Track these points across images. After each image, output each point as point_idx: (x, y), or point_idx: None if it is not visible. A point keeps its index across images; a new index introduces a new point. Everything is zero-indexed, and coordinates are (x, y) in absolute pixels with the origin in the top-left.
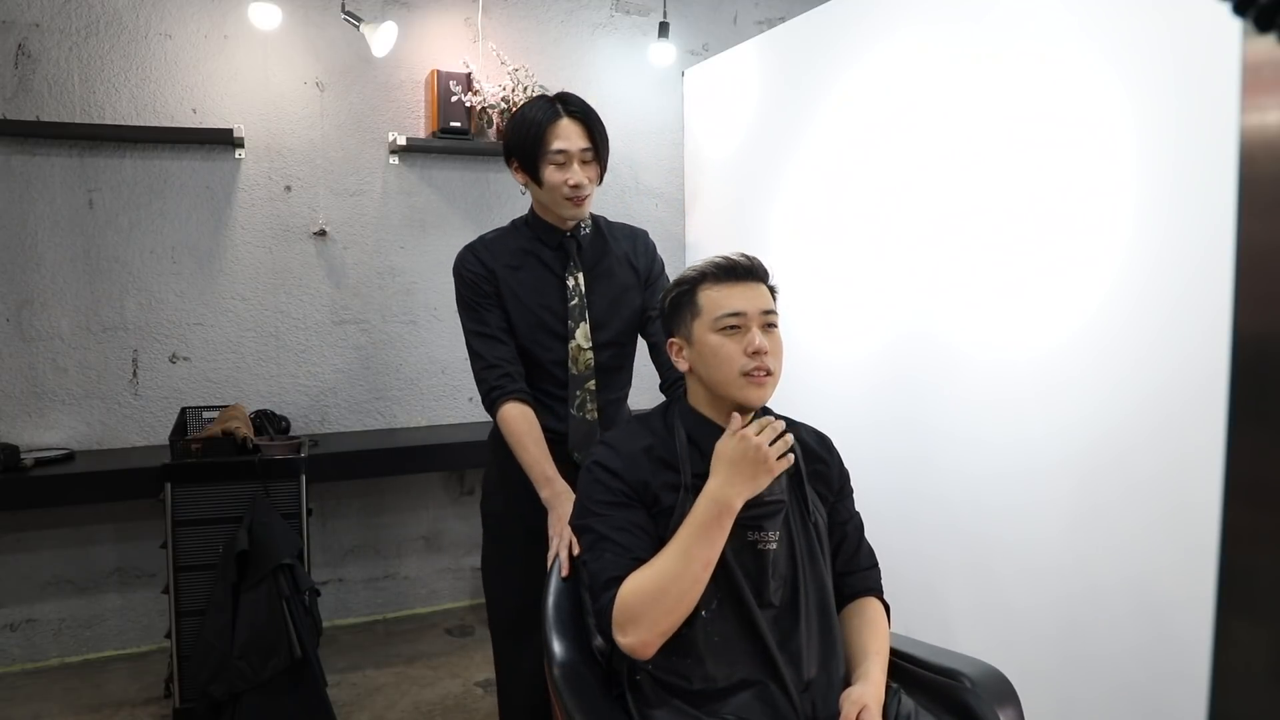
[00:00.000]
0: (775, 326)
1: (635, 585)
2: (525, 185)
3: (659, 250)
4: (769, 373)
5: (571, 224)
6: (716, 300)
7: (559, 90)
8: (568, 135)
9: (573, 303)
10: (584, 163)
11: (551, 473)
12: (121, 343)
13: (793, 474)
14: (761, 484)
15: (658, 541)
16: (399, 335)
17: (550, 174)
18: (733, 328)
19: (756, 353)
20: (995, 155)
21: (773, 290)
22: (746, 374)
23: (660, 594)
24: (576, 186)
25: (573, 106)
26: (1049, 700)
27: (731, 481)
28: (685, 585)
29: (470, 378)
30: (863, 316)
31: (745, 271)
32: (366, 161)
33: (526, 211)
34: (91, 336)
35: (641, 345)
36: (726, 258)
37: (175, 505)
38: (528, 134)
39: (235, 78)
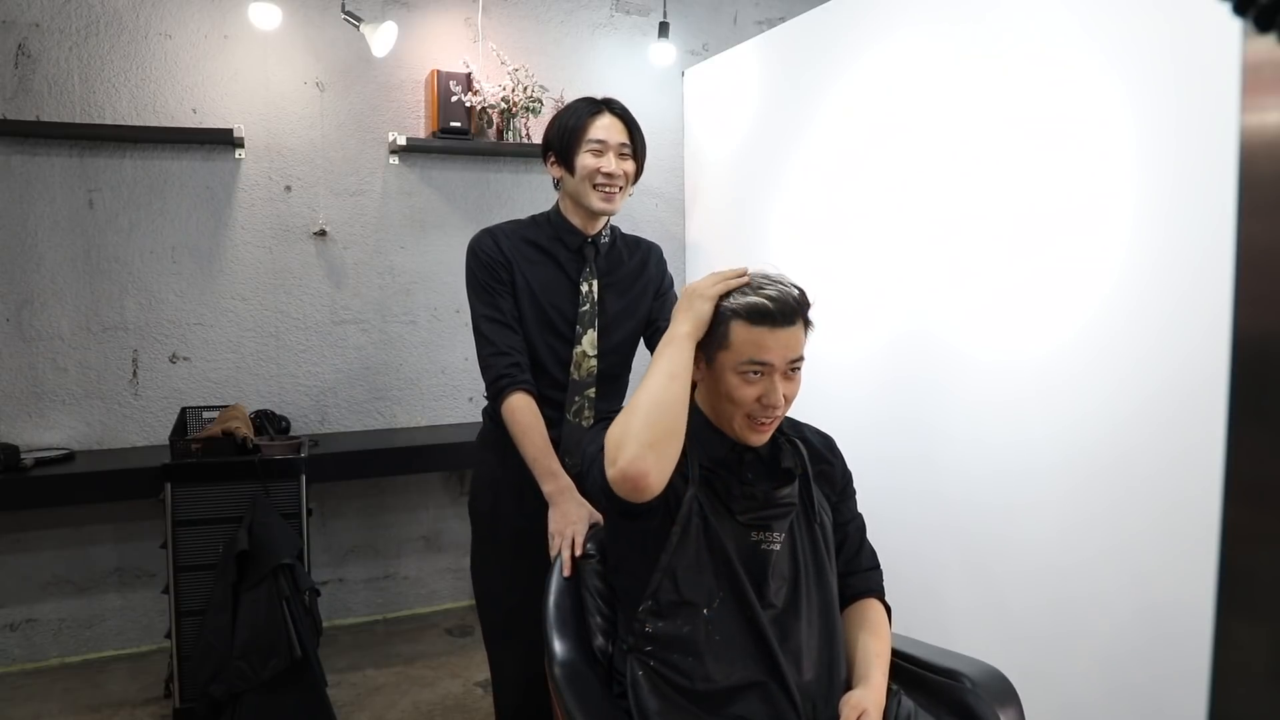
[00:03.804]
0: (798, 370)
1: (614, 423)
2: (559, 180)
3: (662, 253)
4: (776, 418)
5: (596, 227)
6: (748, 343)
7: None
8: (608, 128)
9: (584, 309)
10: (620, 156)
11: (556, 468)
12: (121, 343)
13: (800, 474)
14: (698, 309)
15: (665, 539)
16: (399, 335)
17: (585, 160)
18: (756, 373)
19: (770, 406)
20: (995, 155)
21: (808, 324)
22: (750, 417)
23: (632, 409)
24: (609, 175)
25: (616, 106)
26: (1049, 700)
27: (680, 315)
28: (652, 394)
29: (470, 377)
30: (863, 317)
31: (784, 317)
32: (366, 161)
33: (540, 209)
34: (91, 336)
35: (641, 353)
36: (770, 299)
37: (175, 505)
38: (568, 125)
39: (235, 78)
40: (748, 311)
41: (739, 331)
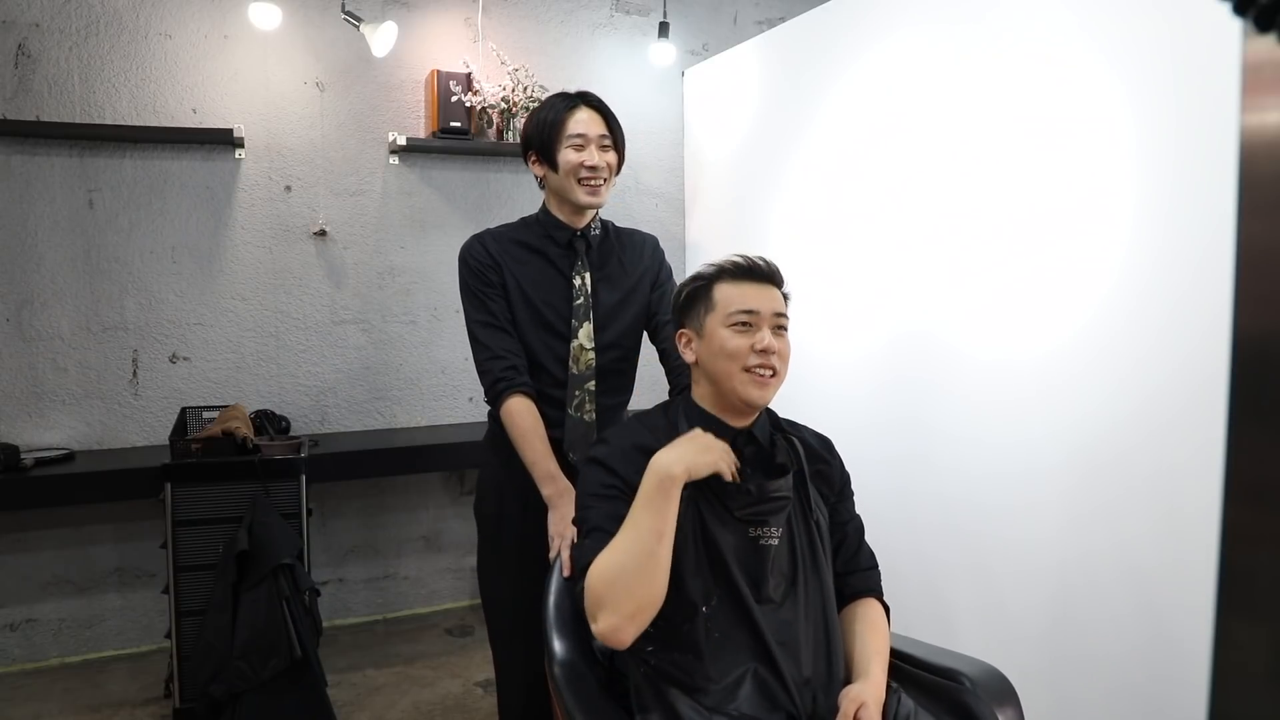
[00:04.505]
0: (785, 330)
1: (597, 567)
2: (542, 179)
3: (658, 243)
4: (774, 373)
5: (583, 221)
6: (732, 296)
7: (562, 90)
8: (586, 122)
9: (578, 302)
10: (601, 149)
11: (555, 470)
12: (121, 343)
13: (796, 471)
14: (702, 462)
15: None
16: (399, 335)
17: (567, 155)
18: (744, 324)
19: (764, 351)
20: (995, 155)
21: (786, 297)
22: (749, 370)
23: (618, 570)
24: (593, 168)
25: (592, 99)
26: (1049, 700)
27: (677, 452)
28: (640, 559)
29: (470, 377)
30: (863, 316)
31: (762, 274)
32: (366, 161)
33: (538, 209)
34: (91, 336)
35: (650, 352)
36: (746, 258)
37: (175, 505)
38: (546, 122)
39: (235, 78)
40: (729, 269)
41: (723, 290)
